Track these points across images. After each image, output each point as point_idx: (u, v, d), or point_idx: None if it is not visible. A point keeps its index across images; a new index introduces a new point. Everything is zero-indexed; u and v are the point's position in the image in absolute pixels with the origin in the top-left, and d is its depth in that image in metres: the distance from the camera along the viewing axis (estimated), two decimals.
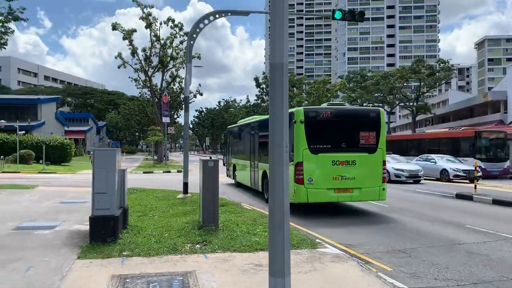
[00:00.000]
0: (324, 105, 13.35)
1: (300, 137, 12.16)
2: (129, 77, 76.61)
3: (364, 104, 76.81)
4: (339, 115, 12.50)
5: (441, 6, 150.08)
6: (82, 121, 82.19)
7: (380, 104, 74.11)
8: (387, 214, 13.10)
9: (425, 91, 67.09)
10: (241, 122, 20.41)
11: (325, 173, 12.01)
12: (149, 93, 54.06)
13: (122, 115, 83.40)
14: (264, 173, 14.88)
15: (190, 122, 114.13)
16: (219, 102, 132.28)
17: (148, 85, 48.37)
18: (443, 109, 74.23)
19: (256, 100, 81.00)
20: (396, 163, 25.84)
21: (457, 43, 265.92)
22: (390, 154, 28.33)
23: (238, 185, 19.93)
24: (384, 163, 12.47)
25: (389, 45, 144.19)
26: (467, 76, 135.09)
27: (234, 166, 20.35)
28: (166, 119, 42.47)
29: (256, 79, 75.22)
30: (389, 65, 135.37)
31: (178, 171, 33.35)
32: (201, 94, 58.43)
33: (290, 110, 12.55)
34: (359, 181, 12.25)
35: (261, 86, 75.01)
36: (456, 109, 67.81)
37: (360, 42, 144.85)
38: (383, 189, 12.45)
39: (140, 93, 66.85)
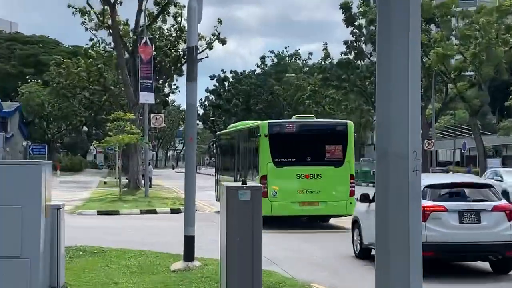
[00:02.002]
0: (293, 117, 17.71)
1: (264, 151, 14.72)
2: (69, 6, 29.88)
3: None
4: (305, 129, 15.48)
5: None
6: None
7: None
8: None
9: None
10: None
11: (289, 186, 14.58)
12: (109, 39, 32.05)
13: (54, 87, 45.07)
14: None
15: (199, 102, 70.43)
16: (262, 59, 70.61)
17: (109, 22, 28.49)
18: None
19: (345, 51, 43.01)
20: None
21: None
22: None
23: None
24: (352, 176, 14.64)
25: None
26: None
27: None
28: (147, 96, 26.02)
29: (345, 6, 40.03)
30: None
31: (173, 211, 20.17)
32: (222, 42, 32.74)
33: (254, 124, 17.04)
34: (325, 194, 14.41)
35: (355, 22, 40.98)
36: None
37: None
38: (350, 203, 14.16)
39: (92, 40, 34.68)
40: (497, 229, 8.55)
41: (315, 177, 14.27)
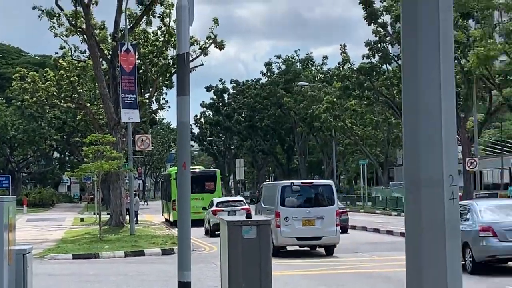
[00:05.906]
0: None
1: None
2: (34, 7, 26.68)
3: None
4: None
5: None
6: None
7: None
8: None
9: None
10: None
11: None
12: (83, 46, 28.74)
13: (18, 106, 42.27)
14: None
15: (193, 119, 60.72)
16: (268, 65, 59.23)
17: (83, 26, 25.22)
18: None
19: (368, 54, 36.31)
20: None
21: None
22: None
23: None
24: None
25: None
26: None
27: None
28: (130, 114, 22.78)
29: (366, 0, 33.59)
30: None
31: (164, 251, 18.50)
32: (219, 46, 28.22)
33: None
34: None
35: (378, 19, 34.32)
36: None
37: None
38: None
39: (62, 48, 31.02)
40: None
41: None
